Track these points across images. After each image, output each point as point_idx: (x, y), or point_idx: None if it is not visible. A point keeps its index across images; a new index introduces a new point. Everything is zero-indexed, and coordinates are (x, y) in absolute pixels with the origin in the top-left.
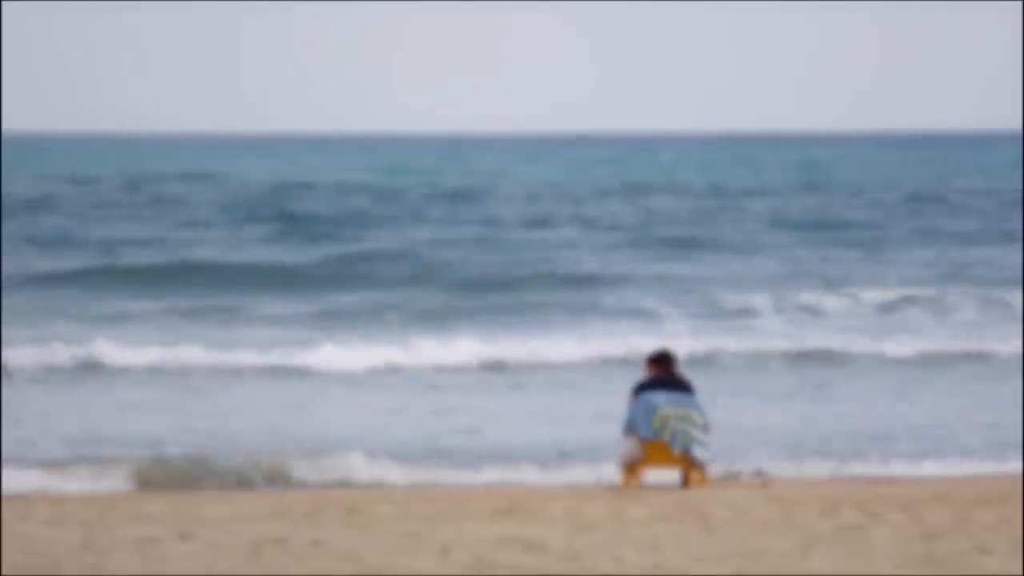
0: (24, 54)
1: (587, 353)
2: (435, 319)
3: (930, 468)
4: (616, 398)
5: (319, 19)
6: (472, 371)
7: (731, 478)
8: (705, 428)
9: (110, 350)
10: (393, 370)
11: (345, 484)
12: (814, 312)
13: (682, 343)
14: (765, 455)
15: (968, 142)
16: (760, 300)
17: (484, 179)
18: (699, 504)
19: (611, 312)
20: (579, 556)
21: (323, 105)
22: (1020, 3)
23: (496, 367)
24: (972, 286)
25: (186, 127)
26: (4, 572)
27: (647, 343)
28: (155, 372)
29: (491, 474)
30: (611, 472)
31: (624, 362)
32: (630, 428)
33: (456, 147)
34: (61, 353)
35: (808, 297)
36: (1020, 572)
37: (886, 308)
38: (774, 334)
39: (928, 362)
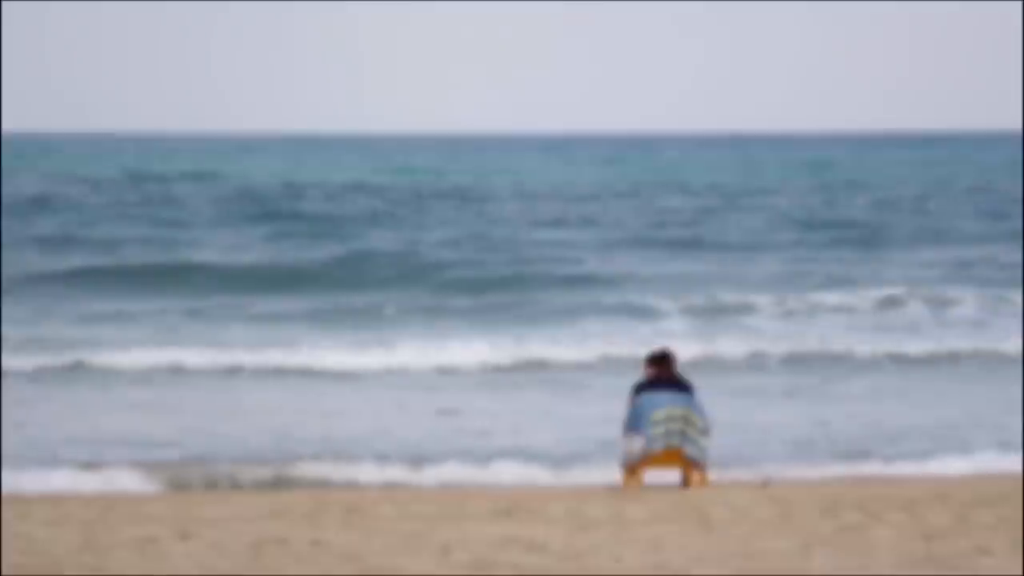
0: (24, 54)
1: (588, 353)
2: (436, 319)
3: (930, 468)
4: (616, 398)
5: (319, 19)
6: (473, 371)
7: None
8: (704, 429)
9: (111, 350)
10: (395, 370)
11: (345, 484)
12: (815, 311)
13: (682, 343)
14: (765, 455)
15: (968, 142)
16: (761, 300)
17: (486, 179)
18: (699, 504)
19: (612, 312)
20: (579, 556)
21: (324, 105)
22: (1020, 3)
23: (496, 367)
24: (972, 286)
25: (186, 127)
26: (4, 572)
27: (648, 343)
28: (156, 372)
29: (491, 474)
30: (611, 472)
31: (624, 362)
32: (630, 428)
33: (457, 147)
34: (62, 353)
35: (809, 296)
36: (1020, 572)
37: (887, 307)
38: (774, 333)
39: (928, 362)
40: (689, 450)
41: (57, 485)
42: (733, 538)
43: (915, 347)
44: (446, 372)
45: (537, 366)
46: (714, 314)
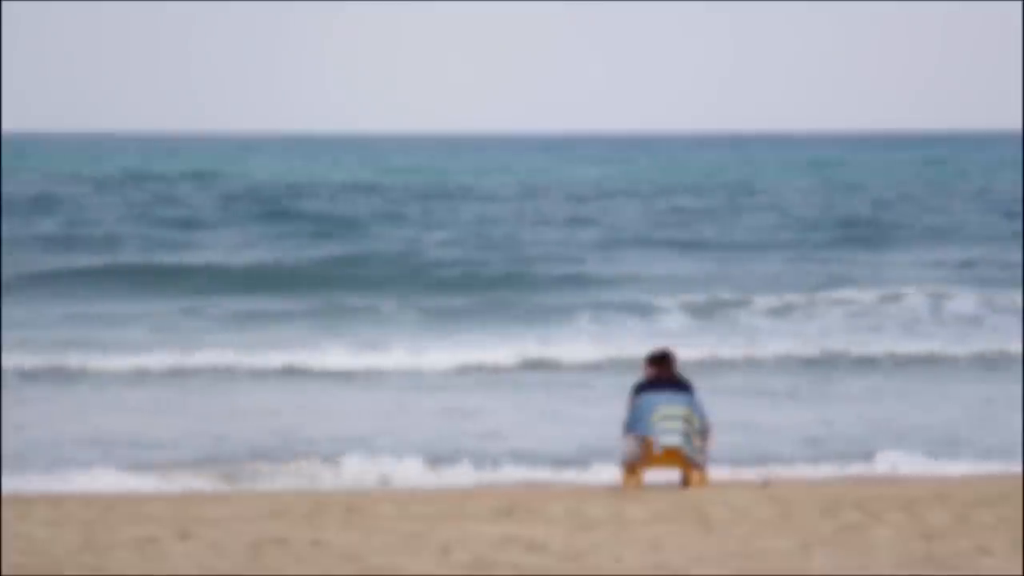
0: (24, 54)
1: (588, 353)
2: (436, 319)
3: (930, 468)
4: (617, 398)
5: (319, 19)
6: (473, 371)
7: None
8: (704, 429)
9: (111, 350)
10: (396, 371)
11: (345, 484)
12: (815, 311)
13: (683, 342)
14: (765, 455)
15: (968, 142)
16: (762, 299)
17: (487, 178)
18: (699, 504)
19: (613, 312)
20: (579, 556)
21: (324, 105)
22: (1020, 3)
23: (497, 367)
24: (973, 285)
25: (186, 127)
26: (4, 572)
27: (648, 343)
28: (156, 373)
29: (492, 474)
30: (611, 472)
31: (625, 362)
32: (630, 428)
33: (458, 147)
34: (62, 353)
35: (809, 296)
36: (1020, 572)
37: (887, 307)
38: (775, 333)
39: (929, 361)
40: (689, 450)
41: (57, 485)
42: (733, 538)
43: (915, 347)
44: (447, 372)
45: (538, 366)
46: (715, 313)
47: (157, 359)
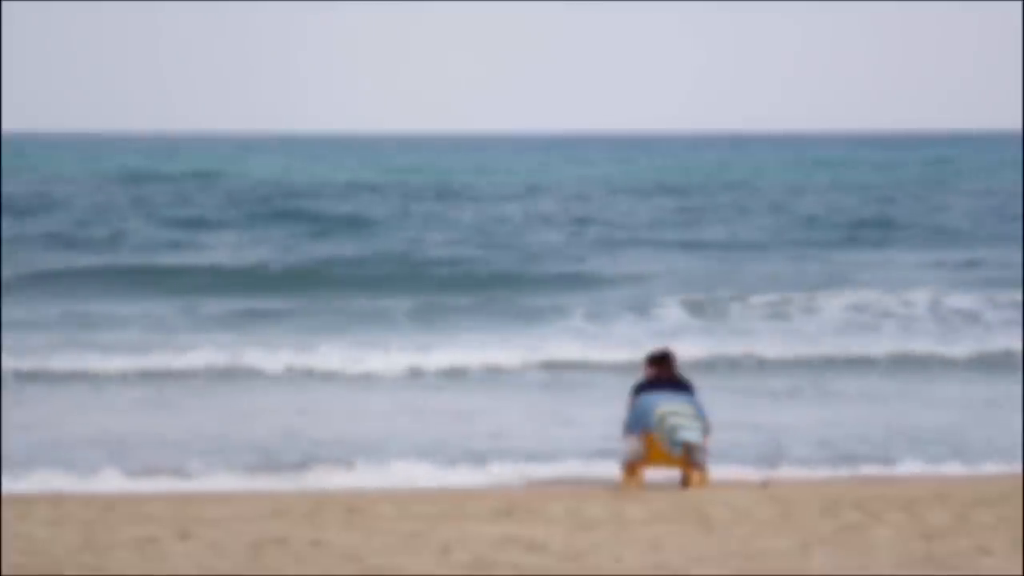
0: (24, 54)
1: (589, 352)
2: (437, 319)
3: (930, 468)
4: (617, 398)
5: (321, 19)
6: (474, 371)
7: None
8: (705, 428)
9: (110, 350)
10: (397, 371)
11: (345, 484)
12: (816, 311)
13: (683, 342)
14: (765, 455)
15: (968, 142)
16: (763, 299)
17: (489, 178)
18: (699, 504)
19: (614, 311)
20: (579, 556)
21: (325, 105)
22: (1020, 3)
23: (498, 367)
24: (973, 285)
25: (187, 127)
26: (4, 572)
27: (649, 343)
28: (156, 373)
29: (492, 474)
30: (611, 472)
31: (625, 362)
32: (630, 428)
33: (459, 146)
34: (63, 354)
35: (810, 296)
36: (1020, 572)
37: (888, 307)
38: (776, 333)
39: (929, 361)
40: (694, 440)
41: (57, 485)
42: (733, 538)
43: (916, 347)
44: (447, 372)
45: (538, 365)
46: (715, 313)
47: (157, 359)
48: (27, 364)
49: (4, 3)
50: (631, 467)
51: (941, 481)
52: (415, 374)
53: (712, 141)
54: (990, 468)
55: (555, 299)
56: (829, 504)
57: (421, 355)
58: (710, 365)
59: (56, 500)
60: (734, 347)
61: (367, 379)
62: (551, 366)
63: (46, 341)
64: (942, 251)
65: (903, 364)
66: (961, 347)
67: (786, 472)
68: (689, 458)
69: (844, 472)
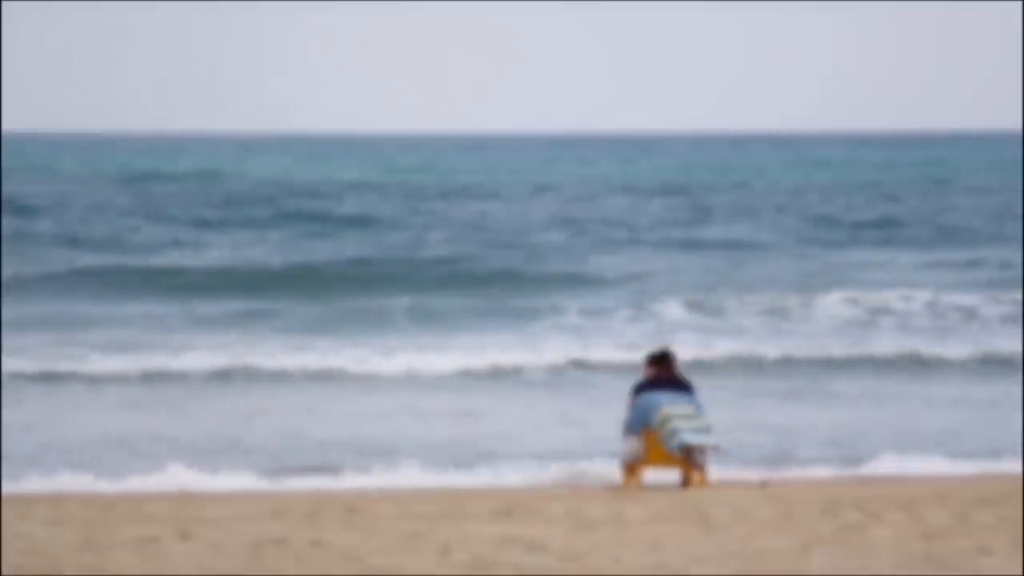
0: (24, 54)
1: (588, 352)
2: (438, 319)
3: (930, 468)
4: (617, 398)
5: (321, 19)
6: (474, 371)
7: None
8: (705, 427)
9: (110, 351)
10: (398, 371)
11: (346, 484)
12: (817, 311)
13: (683, 343)
14: (765, 455)
15: (968, 142)
16: (763, 299)
17: (490, 178)
18: (699, 504)
19: (614, 311)
20: (579, 556)
21: (326, 105)
22: (1020, 3)
23: (499, 367)
24: (973, 286)
25: (187, 127)
26: (4, 572)
27: (649, 343)
28: (157, 374)
29: (492, 474)
30: (611, 472)
31: (625, 361)
32: (630, 428)
33: (461, 146)
34: (63, 354)
35: (810, 296)
36: (1020, 572)
37: (888, 307)
38: (776, 333)
39: (929, 362)
40: (698, 440)
41: (57, 485)
42: (733, 538)
43: (917, 347)
44: (448, 372)
45: (538, 365)
46: (716, 313)
47: (157, 360)
48: (27, 364)
49: (4, 3)
50: (631, 467)
51: (941, 481)
52: (415, 374)
53: (713, 141)
54: (990, 468)
55: (555, 299)
56: (829, 504)
57: (421, 355)
58: (710, 365)
59: (56, 500)
60: (734, 347)
61: (367, 379)
62: (551, 366)
63: (46, 341)
64: (942, 251)
65: (903, 364)
66: (961, 347)
67: (786, 472)
68: (689, 458)
69: (844, 472)
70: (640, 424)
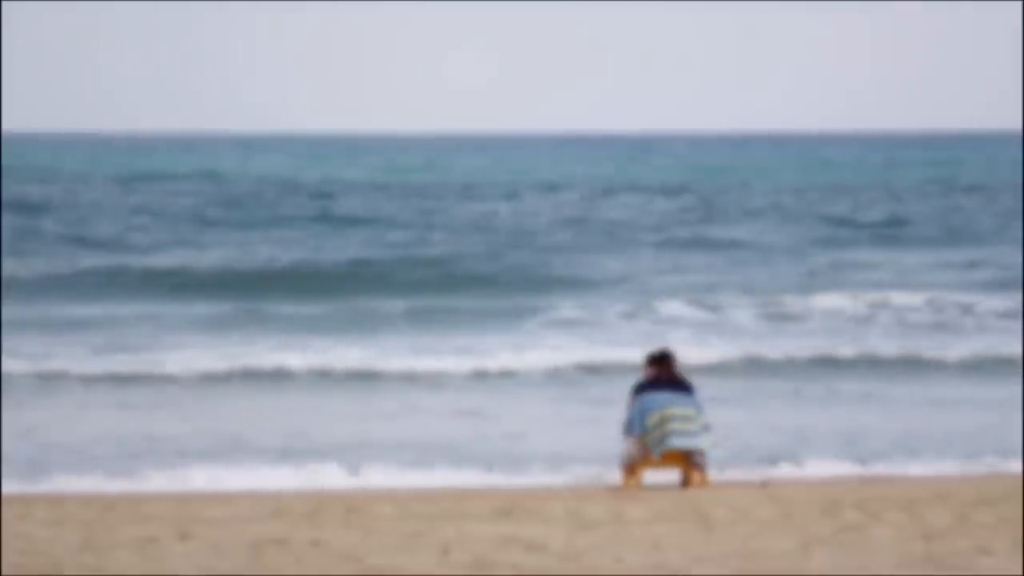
0: (24, 54)
1: (588, 352)
2: (439, 319)
3: (930, 468)
4: (617, 398)
5: (322, 19)
6: (475, 371)
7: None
8: (705, 427)
9: (110, 351)
10: (399, 372)
11: (346, 484)
12: (817, 312)
13: (683, 343)
14: (765, 455)
15: (968, 142)
16: (763, 300)
17: (491, 178)
18: (699, 504)
19: (615, 311)
20: (579, 556)
21: (327, 105)
22: (1020, 3)
23: (498, 367)
24: (974, 286)
25: (187, 127)
26: (4, 572)
27: (649, 343)
28: (157, 374)
29: (492, 474)
30: (611, 472)
31: (624, 362)
32: (630, 428)
33: (462, 146)
34: (64, 354)
35: (811, 297)
36: (1020, 572)
37: (889, 308)
38: (776, 334)
39: (930, 362)
40: (698, 443)
41: (57, 485)
42: (733, 538)
43: (917, 347)
44: (448, 373)
45: (538, 366)
46: (717, 313)
47: (157, 360)
48: (27, 364)
49: (4, 3)
50: (631, 467)
51: (941, 481)
52: (415, 374)
53: (716, 141)
54: (990, 468)
55: (555, 298)
56: (829, 504)
57: (421, 355)
58: (711, 365)
59: (56, 500)
60: (735, 347)
61: (368, 379)
62: (551, 365)
63: (46, 341)
64: (944, 251)
65: (904, 364)
66: (962, 347)
67: (786, 472)
68: (689, 459)
69: (844, 472)
70: (640, 424)
